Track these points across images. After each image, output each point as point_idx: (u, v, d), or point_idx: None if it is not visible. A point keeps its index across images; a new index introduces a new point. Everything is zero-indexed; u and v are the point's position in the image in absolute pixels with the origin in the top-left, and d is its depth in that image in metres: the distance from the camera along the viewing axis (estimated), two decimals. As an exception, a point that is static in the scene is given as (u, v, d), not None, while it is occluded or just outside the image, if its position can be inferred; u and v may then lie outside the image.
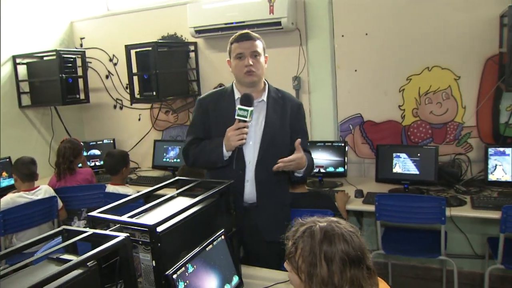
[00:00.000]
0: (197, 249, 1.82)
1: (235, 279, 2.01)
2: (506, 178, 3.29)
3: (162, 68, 4.11)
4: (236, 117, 2.37)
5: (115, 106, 5.12)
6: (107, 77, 5.08)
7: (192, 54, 4.54)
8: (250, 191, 2.54)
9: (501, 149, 3.32)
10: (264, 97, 2.56)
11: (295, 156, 2.39)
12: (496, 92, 3.52)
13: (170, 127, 4.85)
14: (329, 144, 3.81)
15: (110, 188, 3.72)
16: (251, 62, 2.45)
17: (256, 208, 2.55)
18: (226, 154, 2.44)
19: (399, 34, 3.73)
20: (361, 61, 3.89)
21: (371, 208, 3.23)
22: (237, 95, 2.55)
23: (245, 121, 2.37)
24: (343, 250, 1.34)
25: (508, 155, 3.28)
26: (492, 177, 3.33)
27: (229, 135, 2.38)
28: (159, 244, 1.67)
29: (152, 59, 4.08)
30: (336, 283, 1.32)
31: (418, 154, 3.48)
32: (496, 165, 3.32)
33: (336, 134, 4.07)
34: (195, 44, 4.49)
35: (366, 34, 3.83)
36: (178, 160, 4.39)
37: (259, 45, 2.51)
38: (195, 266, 1.77)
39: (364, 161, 4.03)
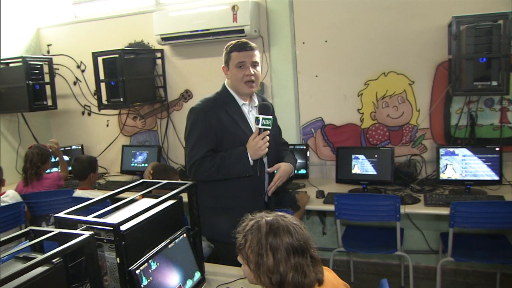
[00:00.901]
0: (159, 246, 1.92)
1: (197, 275, 2.12)
2: (456, 176, 3.49)
3: (129, 75, 4.18)
4: (260, 126, 2.42)
5: (83, 112, 5.15)
6: (75, 83, 5.11)
7: (158, 61, 4.62)
8: (265, 187, 2.66)
9: (451, 149, 3.52)
10: (256, 102, 2.65)
11: (277, 176, 2.58)
12: (446, 96, 3.73)
13: (138, 132, 4.91)
14: (292, 147, 3.94)
15: (79, 193, 3.78)
16: (252, 72, 2.49)
17: (270, 199, 2.70)
18: (252, 163, 2.48)
19: (357, 41, 3.90)
20: (322, 67, 4.05)
21: (331, 207, 3.37)
22: (240, 101, 2.59)
23: (265, 130, 2.44)
24: (287, 241, 1.48)
25: (458, 155, 3.49)
26: (443, 176, 3.53)
27: (258, 146, 2.42)
28: (123, 242, 1.75)
29: (119, 66, 4.15)
30: (281, 271, 1.46)
31: (376, 156, 3.65)
32: (447, 165, 3.52)
33: (299, 137, 4.20)
34: (161, 51, 4.56)
35: (326, 41, 3.99)
36: (146, 164, 4.46)
37: (257, 54, 2.55)
38: (158, 263, 1.87)
39: (325, 163, 4.18)
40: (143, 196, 2.23)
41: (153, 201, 2.07)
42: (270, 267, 1.47)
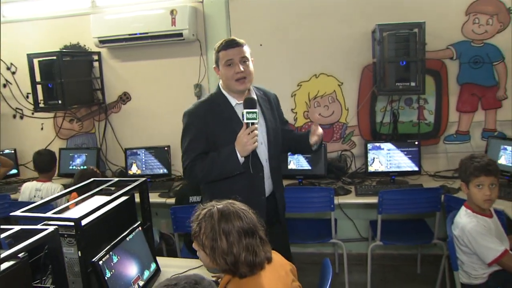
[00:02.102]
0: (118, 239, 2.04)
1: (153, 266, 2.26)
2: (382, 168, 3.86)
3: (66, 77, 4.15)
4: (245, 121, 2.33)
5: (14, 116, 5.01)
6: (4, 86, 4.96)
7: (96, 63, 4.62)
8: (269, 186, 2.57)
9: (377, 144, 3.88)
10: (254, 96, 2.54)
11: (319, 129, 2.52)
12: (372, 96, 4.08)
13: (75, 135, 4.87)
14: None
15: (38, 185, 3.86)
16: (242, 69, 2.41)
17: (274, 197, 2.62)
18: (242, 160, 2.39)
19: (290, 45, 4.16)
20: (257, 69, 4.12)
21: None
22: (233, 101, 2.51)
23: (253, 124, 2.34)
24: (238, 225, 1.66)
25: (383, 149, 3.85)
26: (371, 169, 3.88)
27: (244, 141, 2.33)
28: (84, 236, 1.86)
29: (56, 68, 4.11)
30: (234, 252, 1.63)
31: (310, 151, 3.92)
32: (374, 158, 3.87)
33: (236, 136, 4.37)
34: (98, 53, 4.57)
35: (261, 45, 4.21)
36: (85, 167, 4.45)
37: (247, 50, 2.48)
38: (119, 257, 1.99)
39: (262, 160, 4.39)
40: (95, 194, 2.31)
41: (106, 198, 2.18)
42: (225, 250, 1.64)
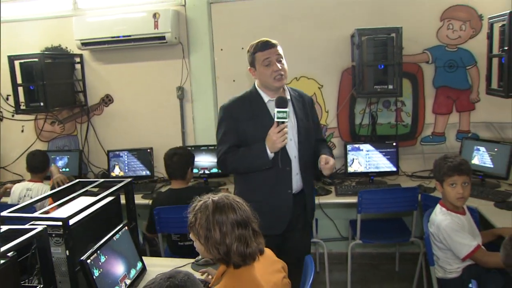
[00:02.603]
0: (105, 238, 2.08)
1: (139, 265, 2.30)
2: (361, 169, 3.96)
3: (48, 79, 4.14)
4: (276, 120, 2.44)
5: (-6, 118, 4.99)
6: (-16, 88, 4.94)
7: (78, 66, 4.61)
8: (297, 182, 2.66)
9: (357, 145, 3.99)
10: (288, 95, 2.66)
11: (332, 162, 2.56)
12: (351, 98, 4.19)
13: (56, 137, 4.85)
14: (212, 147, 4.15)
15: (29, 185, 3.85)
16: (280, 67, 2.54)
17: (303, 195, 2.71)
18: (271, 155, 2.50)
19: (270, 48, 4.23)
20: (238, 72, 4.31)
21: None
22: (266, 98, 2.64)
23: (284, 122, 2.45)
24: (232, 217, 1.72)
25: (362, 150, 3.95)
26: (350, 169, 3.98)
27: (274, 139, 2.43)
28: (71, 235, 1.90)
29: (38, 70, 4.10)
30: (227, 243, 1.70)
31: (290, 153, 4.01)
32: (353, 159, 3.97)
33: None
34: (81, 56, 4.57)
35: (242, 48, 4.22)
36: (68, 169, 4.46)
37: (280, 50, 2.62)
38: (106, 256, 2.03)
39: (244, 161, 4.45)
40: (79, 195, 2.34)
41: (92, 198, 2.22)
42: (217, 240, 1.70)
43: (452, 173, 2.64)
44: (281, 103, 2.47)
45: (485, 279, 2.53)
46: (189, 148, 3.95)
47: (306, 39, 4.19)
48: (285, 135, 2.45)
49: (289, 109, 2.56)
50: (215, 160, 4.04)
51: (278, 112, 2.44)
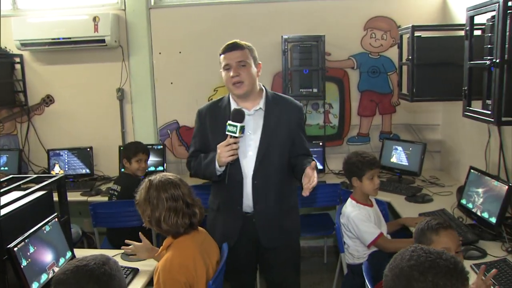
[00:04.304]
0: (34, 228, 2.21)
1: (68, 254, 2.45)
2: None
3: (-14, 79, 4.16)
4: (226, 132, 2.31)
5: None
6: None
7: (18, 66, 4.64)
8: (248, 201, 2.49)
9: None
10: (262, 104, 2.48)
11: (314, 184, 2.24)
12: (282, 101, 4.45)
13: (-5, 137, 4.89)
14: (150, 147, 4.33)
15: None
16: (234, 74, 2.38)
17: (253, 217, 2.51)
18: (219, 169, 2.38)
19: (207, 52, 4.43)
20: (176, 75, 4.53)
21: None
22: (234, 105, 2.49)
23: (235, 137, 2.30)
24: (163, 193, 2.08)
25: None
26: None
27: (219, 152, 2.32)
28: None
29: (-25, 70, 4.13)
30: (156, 215, 2.07)
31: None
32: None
33: (156, 138, 4.62)
34: (20, 56, 4.59)
35: (180, 52, 4.49)
36: (7, 168, 4.49)
37: (247, 54, 2.45)
38: (35, 247, 2.16)
39: (181, 161, 4.66)
40: (15, 189, 2.46)
41: (22, 192, 2.35)
42: (149, 213, 2.09)
43: (372, 166, 2.95)
44: (234, 116, 2.34)
45: (387, 262, 2.83)
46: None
47: (240, 44, 4.42)
48: (234, 151, 2.31)
49: (257, 118, 2.46)
50: (153, 159, 4.36)
51: (229, 125, 2.31)
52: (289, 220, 2.65)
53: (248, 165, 2.46)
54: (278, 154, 2.48)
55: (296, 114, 2.58)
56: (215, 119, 2.51)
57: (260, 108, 2.48)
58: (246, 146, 2.45)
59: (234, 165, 2.41)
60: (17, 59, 4.63)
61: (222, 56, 2.46)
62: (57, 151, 4.53)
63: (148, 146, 4.31)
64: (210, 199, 2.71)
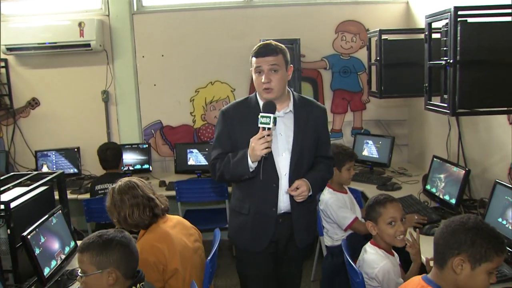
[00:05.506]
0: (44, 218, 2.42)
1: (72, 243, 2.66)
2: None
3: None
4: (259, 125, 2.25)
5: None
6: None
7: (3, 70, 4.73)
8: (285, 202, 2.47)
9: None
10: (291, 107, 2.47)
11: (301, 190, 2.33)
12: (260, 100, 4.72)
13: (-20, 139, 4.96)
14: (136, 146, 4.58)
15: None
16: (266, 80, 2.33)
17: (290, 217, 2.50)
18: (252, 165, 2.31)
19: (188, 56, 4.69)
20: (159, 77, 4.75)
21: (172, 193, 4.08)
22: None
23: (268, 129, 2.24)
24: (124, 195, 2.37)
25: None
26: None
27: (253, 145, 2.25)
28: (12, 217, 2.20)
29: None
30: (122, 214, 2.36)
31: (206, 149, 4.48)
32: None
33: (141, 137, 4.82)
34: (5, 60, 4.69)
35: (162, 55, 4.72)
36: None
37: (279, 58, 2.37)
38: (45, 237, 2.37)
39: (165, 159, 4.89)
40: (14, 186, 2.65)
41: (26, 188, 2.54)
42: (118, 214, 2.37)
43: (351, 158, 3.30)
44: (266, 107, 2.31)
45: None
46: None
47: (220, 47, 4.69)
48: (267, 143, 2.24)
49: (288, 120, 2.45)
50: (138, 157, 4.58)
51: (261, 116, 2.25)
52: (313, 222, 2.75)
53: (283, 166, 2.44)
54: (309, 154, 2.51)
55: (322, 115, 2.58)
56: (245, 118, 2.44)
57: (290, 110, 2.47)
58: (279, 148, 2.43)
59: (269, 165, 2.39)
60: (2, 63, 4.71)
61: (254, 59, 2.39)
62: (45, 152, 4.66)
63: (134, 146, 4.56)
64: (234, 203, 2.62)
